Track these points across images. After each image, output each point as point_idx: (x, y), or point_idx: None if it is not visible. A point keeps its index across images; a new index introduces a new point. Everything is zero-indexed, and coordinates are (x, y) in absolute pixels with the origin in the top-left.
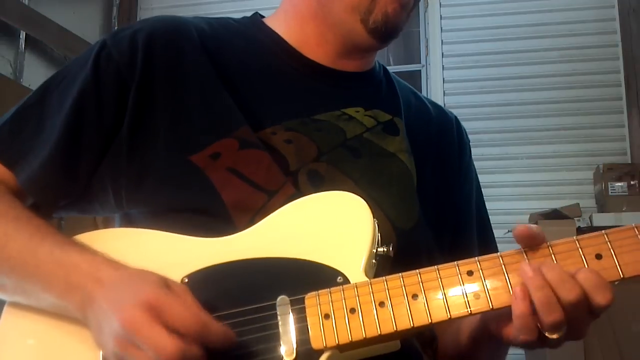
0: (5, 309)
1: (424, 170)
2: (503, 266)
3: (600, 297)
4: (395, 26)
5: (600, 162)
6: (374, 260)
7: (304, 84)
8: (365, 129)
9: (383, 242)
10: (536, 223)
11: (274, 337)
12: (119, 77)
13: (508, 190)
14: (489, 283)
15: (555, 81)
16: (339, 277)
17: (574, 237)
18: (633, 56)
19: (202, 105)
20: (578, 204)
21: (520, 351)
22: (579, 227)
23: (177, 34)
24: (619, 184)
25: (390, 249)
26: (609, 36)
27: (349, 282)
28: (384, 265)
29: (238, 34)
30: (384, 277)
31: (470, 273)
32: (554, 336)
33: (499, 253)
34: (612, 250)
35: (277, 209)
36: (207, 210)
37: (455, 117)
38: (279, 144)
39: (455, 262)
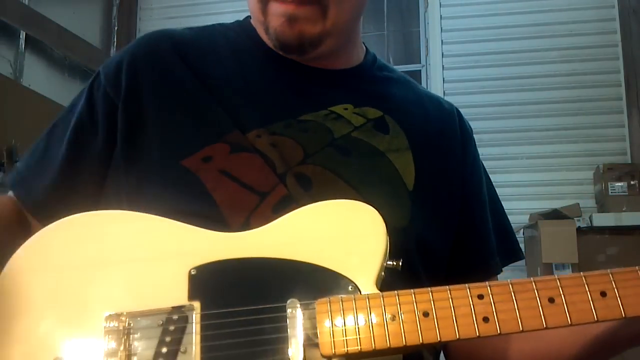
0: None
1: (424, 164)
2: (512, 294)
3: None
4: (289, 42)
5: (600, 162)
6: (382, 273)
7: (288, 85)
8: (354, 127)
9: (392, 255)
10: (536, 223)
11: (281, 340)
12: (107, 98)
13: (508, 190)
14: (498, 308)
15: (555, 81)
16: (351, 286)
17: (581, 273)
18: (633, 56)
19: (190, 114)
20: (578, 204)
21: None
22: (579, 227)
23: (159, 47)
24: (619, 184)
25: (400, 263)
26: (609, 36)
27: (360, 292)
28: (391, 278)
29: (223, 41)
30: (395, 292)
31: (480, 297)
32: None
33: (509, 280)
34: (616, 291)
35: (270, 210)
36: (199, 212)
37: (456, 108)
38: (265, 147)
39: (467, 285)
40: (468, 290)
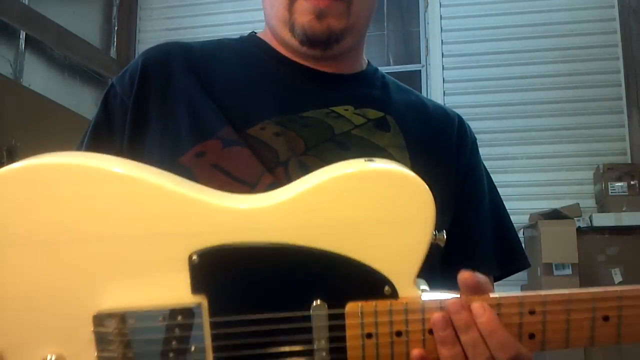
0: None
1: (419, 166)
2: (568, 312)
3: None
4: (318, 36)
5: (600, 162)
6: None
7: (293, 85)
8: (354, 126)
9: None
10: (536, 223)
11: (306, 353)
12: (122, 104)
13: (508, 190)
14: (548, 327)
15: (555, 81)
16: (387, 288)
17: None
18: (633, 56)
19: (188, 113)
20: (578, 204)
21: None
22: (579, 227)
23: (170, 54)
24: (619, 184)
25: (444, 236)
26: (609, 36)
27: (397, 296)
28: (431, 256)
29: (229, 49)
30: (438, 300)
31: (532, 312)
32: None
33: (570, 293)
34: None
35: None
36: None
37: (459, 117)
38: (269, 137)
39: (520, 298)
40: (521, 306)
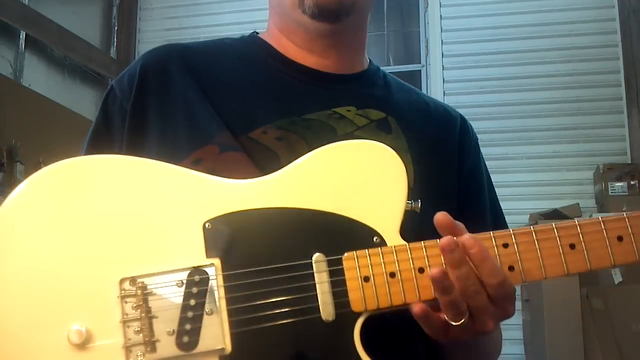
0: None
1: (421, 168)
2: (536, 242)
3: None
4: (329, 5)
5: (600, 162)
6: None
7: (295, 86)
8: (357, 127)
9: (409, 196)
10: (536, 223)
11: (311, 299)
12: (121, 108)
13: (508, 190)
14: (523, 257)
15: (555, 81)
16: (375, 237)
17: (599, 218)
18: (633, 56)
19: (186, 118)
20: (578, 204)
21: (521, 351)
22: None
23: (169, 58)
24: (619, 184)
25: (419, 204)
26: (609, 36)
27: (386, 244)
28: (407, 220)
29: (230, 50)
30: (422, 243)
31: (505, 245)
32: (456, 323)
33: (532, 227)
34: (632, 236)
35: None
36: None
37: (461, 116)
38: (271, 142)
39: (492, 234)
40: (493, 240)
